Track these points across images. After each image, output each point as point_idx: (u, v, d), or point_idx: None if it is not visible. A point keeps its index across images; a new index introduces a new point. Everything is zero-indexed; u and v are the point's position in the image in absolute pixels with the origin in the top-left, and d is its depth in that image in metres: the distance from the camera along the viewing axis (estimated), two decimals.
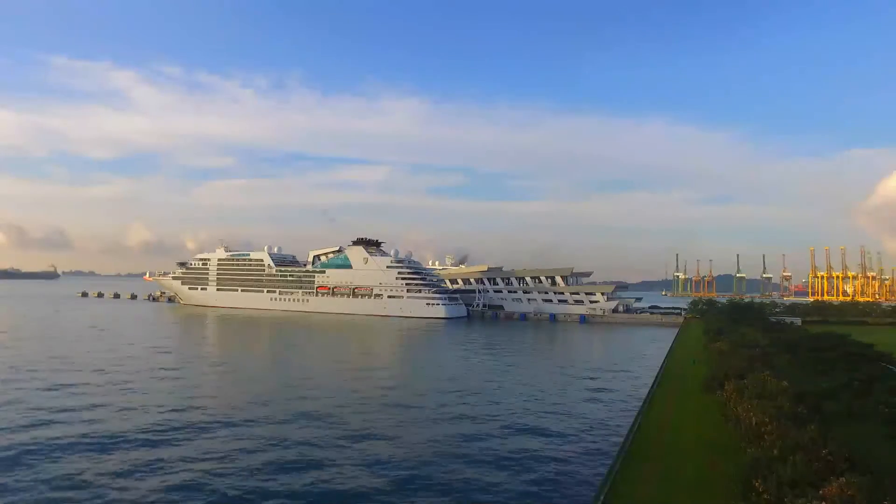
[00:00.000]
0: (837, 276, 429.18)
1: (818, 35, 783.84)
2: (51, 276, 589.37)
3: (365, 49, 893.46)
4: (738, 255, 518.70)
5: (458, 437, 37.82)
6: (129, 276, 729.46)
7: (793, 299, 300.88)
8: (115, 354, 72.02)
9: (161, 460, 31.35)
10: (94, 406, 43.62)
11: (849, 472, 16.57)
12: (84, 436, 35.59)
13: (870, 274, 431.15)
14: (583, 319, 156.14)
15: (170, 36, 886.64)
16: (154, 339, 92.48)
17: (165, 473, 29.44)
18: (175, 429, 37.73)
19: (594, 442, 37.58)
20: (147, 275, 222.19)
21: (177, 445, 34.35)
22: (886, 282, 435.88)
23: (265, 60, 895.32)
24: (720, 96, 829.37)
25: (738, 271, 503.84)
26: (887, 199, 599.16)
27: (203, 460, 31.66)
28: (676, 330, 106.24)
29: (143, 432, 36.57)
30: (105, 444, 34.04)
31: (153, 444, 34.34)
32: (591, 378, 63.86)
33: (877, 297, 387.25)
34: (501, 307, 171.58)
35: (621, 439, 28.31)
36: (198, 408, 44.11)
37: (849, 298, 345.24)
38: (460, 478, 30.17)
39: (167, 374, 59.11)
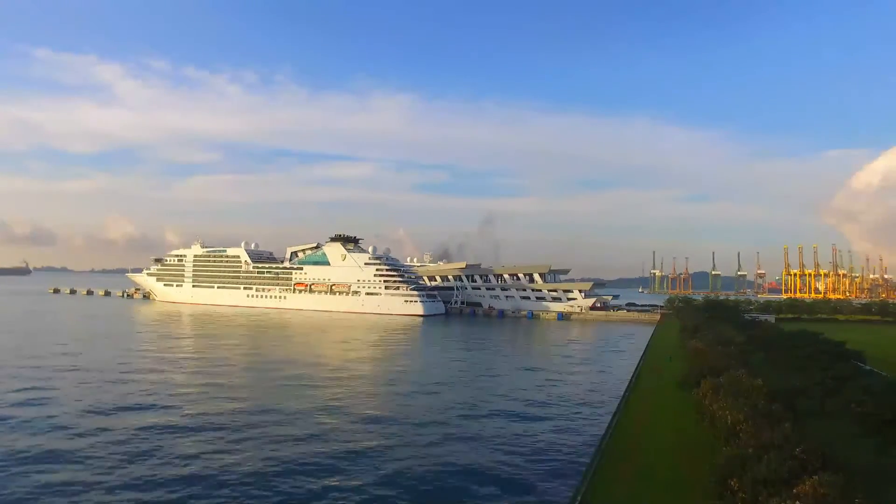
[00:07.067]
0: (810, 274, 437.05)
1: (801, 36, 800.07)
2: (22, 272, 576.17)
3: (356, 46, 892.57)
4: (713, 253, 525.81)
5: (432, 438, 37.59)
6: (105, 272, 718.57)
7: (767, 297, 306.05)
8: None
9: None
10: None
11: (822, 470, 16.67)
12: None
13: (841, 272, 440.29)
14: (560, 317, 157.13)
15: (158, 30, 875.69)
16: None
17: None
18: None
19: (571, 440, 37.56)
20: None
21: None
22: (857, 279, 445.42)
23: (255, 56, 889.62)
24: (704, 96, 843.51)
25: (714, 269, 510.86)
26: (854, 198, 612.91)
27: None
28: (653, 327, 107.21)
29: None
30: None
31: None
32: (568, 375, 64.11)
33: (847, 294, 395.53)
34: (480, 304, 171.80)
35: (598, 438, 28.33)
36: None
37: (821, 296, 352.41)
38: (435, 480, 29.96)
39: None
